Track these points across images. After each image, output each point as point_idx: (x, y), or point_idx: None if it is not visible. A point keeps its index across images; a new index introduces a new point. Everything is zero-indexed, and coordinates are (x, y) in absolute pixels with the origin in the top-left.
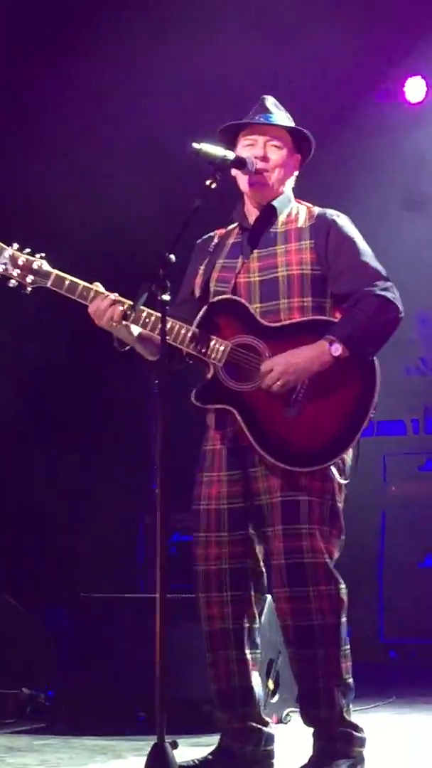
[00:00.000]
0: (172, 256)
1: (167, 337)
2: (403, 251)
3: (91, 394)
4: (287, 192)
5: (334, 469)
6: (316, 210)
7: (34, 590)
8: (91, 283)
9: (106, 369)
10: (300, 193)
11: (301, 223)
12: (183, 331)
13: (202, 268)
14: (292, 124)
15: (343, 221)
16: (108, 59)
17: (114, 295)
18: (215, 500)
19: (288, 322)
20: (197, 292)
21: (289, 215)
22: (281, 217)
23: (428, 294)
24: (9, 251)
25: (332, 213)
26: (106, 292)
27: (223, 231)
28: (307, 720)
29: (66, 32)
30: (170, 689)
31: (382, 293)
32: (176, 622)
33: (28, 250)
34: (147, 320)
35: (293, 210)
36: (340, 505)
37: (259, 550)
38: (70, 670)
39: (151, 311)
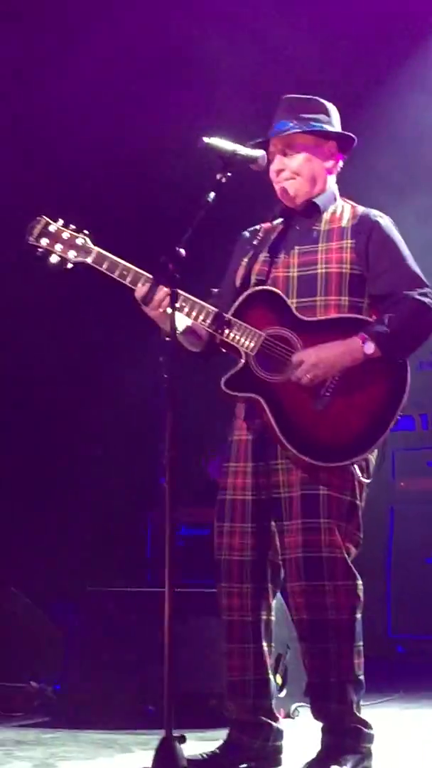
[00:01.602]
0: (182, 251)
1: (204, 323)
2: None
3: (99, 386)
4: (330, 189)
5: (356, 467)
6: (360, 210)
7: (43, 583)
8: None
9: (115, 360)
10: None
11: (344, 222)
12: (218, 318)
13: (246, 260)
14: (313, 120)
15: (386, 223)
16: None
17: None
18: (240, 491)
19: (324, 317)
20: (238, 283)
21: (333, 213)
22: (325, 215)
23: None
24: (54, 226)
25: (376, 214)
26: (147, 275)
27: (268, 225)
28: (317, 714)
29: None
30: (178, 683)
31: (421, 298)
32: (184, 616)
33: (73, 226)
34: (183, 305)
35: (338, 209)
36: (359, 503)
37: (278, 542)
38: (77, 664)
39: (188, 296)
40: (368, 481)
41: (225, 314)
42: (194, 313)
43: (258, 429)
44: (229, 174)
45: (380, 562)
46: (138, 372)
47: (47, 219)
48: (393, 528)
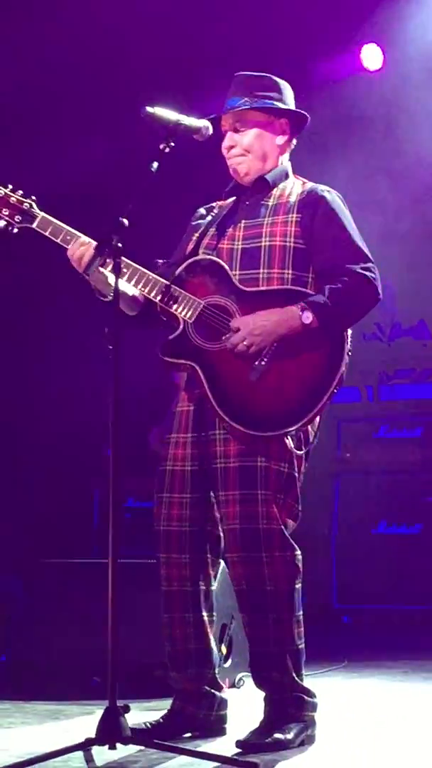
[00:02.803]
0: (125, 221)
1: (143, 289)
2: (364, 220)
3: (43, 358)
4: (283, 165)
5: (290, 439)
6: (309, 185)
7: None
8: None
9: (60, 330)
10: None
11: (293, 198)
12: (158, 285)
13: (197, 235)
14: (267, 96)
15: (333, 197)
16: None
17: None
18: (180, 461)
19: (265, 288)
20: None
21: (283, 190)
22: (275, 191)
23: (385, 261)
24: (2, 191)
25: (323, 189)
26: (89, 239)
27: (222, 202)
28: (259, 684)
29: None
30: (122, 654)
31: (363, 272)
32: (129, 588)
33: (20, 192)
34: (125, 271)
35: (289, 185)
36: (297, 475)
37: (217, 513)
38: (22, 636)
39: (130, 262)
40: (301, 452)
41: (165, 281)
42: (134, 279)
43: (197, 399)
44: (172, 144)
45: (326, 533)
46: (83, 342)
47: None
48: (338, 499)
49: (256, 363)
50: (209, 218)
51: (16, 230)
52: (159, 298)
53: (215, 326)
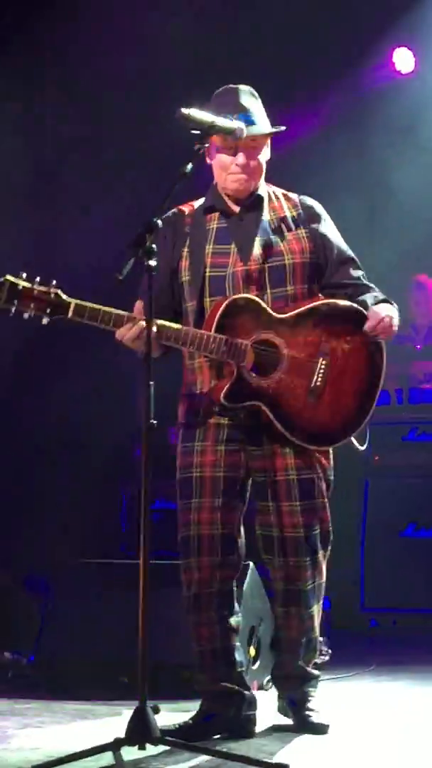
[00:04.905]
0: (159, 222)
1: (191, 348)
2: (398, 215)
3: (76, 359)
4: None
5: (354, 440)
6: (293, 196)
7: (18, 556)
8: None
9: (93, 335)
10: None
11: (286, 212)
12: (206, 339)
13: (186, 250)
14: (268, 118)
15: (321, 210)
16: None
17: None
18: (210, 468)
19: (293, 312)
20: (185, 276)
21: (271, 201)
22: (264, 204)
23: (422, 259)
24: (21, 284)
25: (311, 202)
26: (128, 314)
27: (190, 209)
28: (280, 682)
29: None
30: (151, 655)
31: (368, 284)
32: (158, 588)
33: (38, 279)
34: (168, 334)
35: (272, 195)
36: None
37: (262, 520)
38: (52, 635)
39: (171, 325)
40: (363, 448)
41: (212, 334)
42: (180, 341)
43: (242, 419)
44: (206, 145)
45: (354, 536)
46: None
47: (12, 279)
48: (367, 502)
49: (312, 385)
50: (187, 230)
51: (45, 320)
52: (213, 351)
53: (265, 361)
